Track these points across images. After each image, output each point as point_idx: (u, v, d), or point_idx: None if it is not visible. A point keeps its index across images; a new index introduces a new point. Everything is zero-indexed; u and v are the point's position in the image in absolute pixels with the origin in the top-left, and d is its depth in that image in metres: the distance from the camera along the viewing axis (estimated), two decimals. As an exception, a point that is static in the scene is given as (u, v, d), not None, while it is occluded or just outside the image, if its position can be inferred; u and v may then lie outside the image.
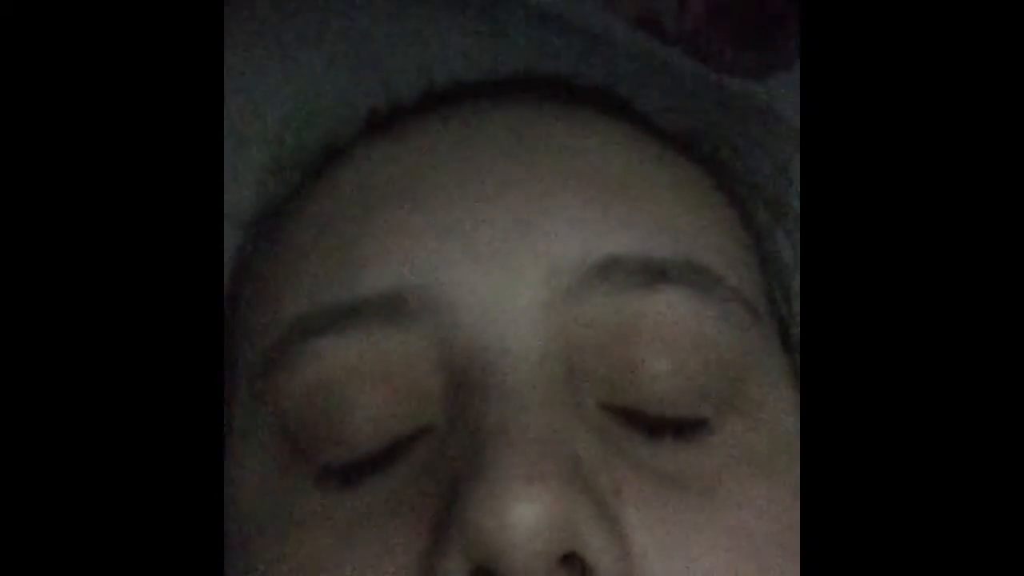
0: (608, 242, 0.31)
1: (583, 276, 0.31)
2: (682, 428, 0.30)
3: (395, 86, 0.40)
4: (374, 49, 0.44)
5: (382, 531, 0.29)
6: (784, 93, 0.53)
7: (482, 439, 0.28)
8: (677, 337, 0.31)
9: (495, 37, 0.44)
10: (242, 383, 0.34)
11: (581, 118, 0.36)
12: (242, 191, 0.46)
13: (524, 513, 0.26)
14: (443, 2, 0.45)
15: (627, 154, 0.34)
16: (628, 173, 0.33)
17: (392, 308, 0.31)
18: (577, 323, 0.30)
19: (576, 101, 0.37)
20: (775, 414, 0.32)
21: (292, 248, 0.35)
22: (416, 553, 0.28)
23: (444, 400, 0.30)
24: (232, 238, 0.41)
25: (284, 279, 0.34)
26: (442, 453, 0.29)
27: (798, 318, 0.36)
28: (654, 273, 0.31)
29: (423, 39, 0.44)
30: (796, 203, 0.42)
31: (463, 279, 0.31)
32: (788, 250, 0.39)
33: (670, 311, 0.31)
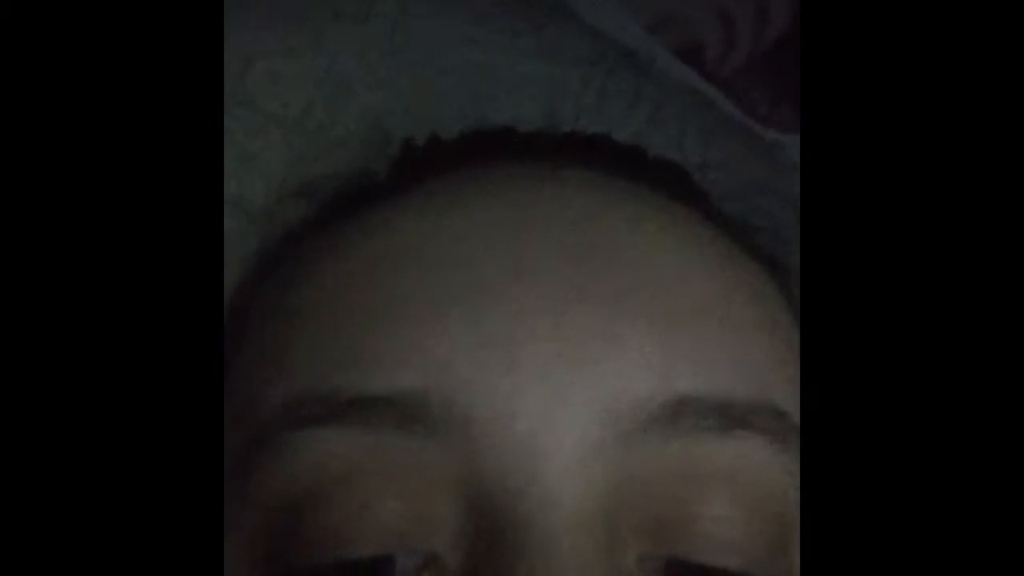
0: (679, 381, 0.27)
1: (646, 418, 0.27)
2: None
3: (438, 116, 0.37)
4: (420, 66, 0.41)
5: None
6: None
7: None
8: (749, 488, 0.27)
9: (553, 78, 0.41)
10: (228, 463, 0.29)
11: (652, 210, 0.32)
12: (255, 180, 0.43)
13: None
14: (498, 27, 0.42)
15: (703, 269, 0.30)
16: (704, 295, 0.30)
17: (409, 412, 0.27)
18: (629, 470, 0.27)
19: (639, 174, 0.33)
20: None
21: (294, 311, 0.30)
22: None
23: (459, 534, 0.26)
24: (238, 233, 0.38)
25: (279, 350, 0.29)
26: None
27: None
28: (732, 418, 0.27)
29: (474, 60, 0.40)
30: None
31: (502, 400, 0.27)
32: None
33: (745, 461, 0.27)
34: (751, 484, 0.27)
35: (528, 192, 0.31)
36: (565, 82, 0.44)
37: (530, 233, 0.29)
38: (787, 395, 0.29)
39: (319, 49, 0.44)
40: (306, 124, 0.43)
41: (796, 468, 0.28)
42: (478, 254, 0.29)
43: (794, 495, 0.28)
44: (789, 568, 0.28)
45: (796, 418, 0.29)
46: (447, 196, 0.31)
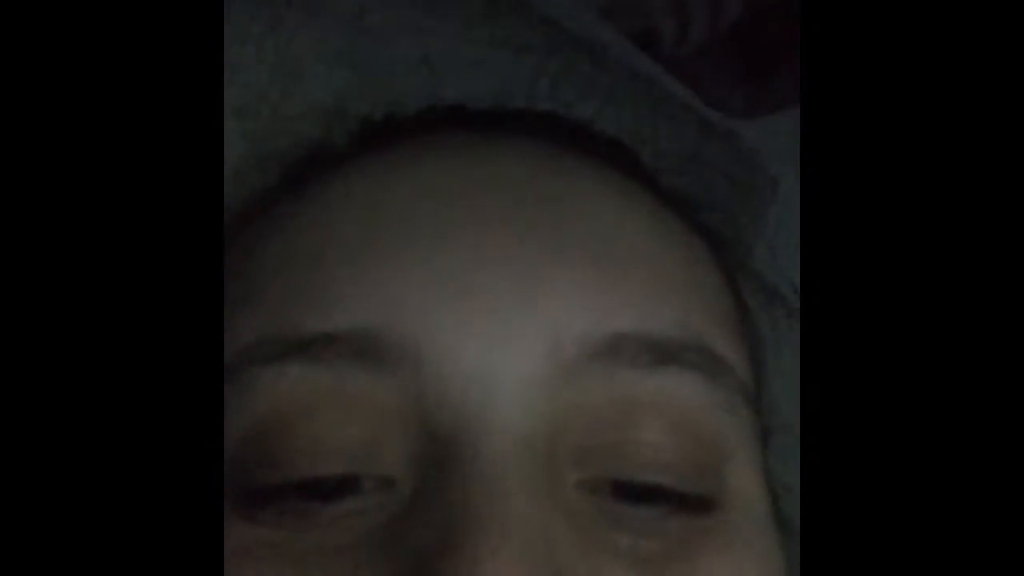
0: (618, 320, 0.30)
1: (588, 352, 0.29)
2: (678, 500, 0.29)
3: (395, 95, 0.38)
4: (376, 43, 0.42)
5: None
6: (768, 138, 0.52)
7: (457, 524, 0.27)
8: (679, 416, 0.30)
9: (504, 55, 0.42)
10: None
11: (595, 174, 0.34)
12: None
13: None
14: (452, 17, 0.43)
15: (639, 224, 0.33)
16: (640, 247, 0.32)
17: (364, 348, 0.29)
18: (571, 400, 0.29)
19: (587, 147, 0.36)
20: (753, 502, 0.31)
21: (259, 263, 0.32)
22: None
23: (412, 459, 0.29)
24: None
25: (245, 297, 0.31)
26: (407, 520, 0.28)
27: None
28: (664, 355, 0.30)
29: (428, 47, 0.41)
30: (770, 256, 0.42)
31: (451, 336, 0.29)
32: (765, 325, 0.39)
33: (676, 393, 0.30)
34: (681, 413, 0.30)
35: (479, 155, 0.33)
36: (518, 71, 0.45)
37: (480, 188, 0.32)
38: (719, 339, 0.32)
39: (274, 35, 0.45)
40: (260, 110, 0.44)
41: (729, 401, 0.31)
42: (432, 205, 0.31)
43: (728, 426, 0.31)
44: (722, 486, 0.30)
45: (730, 361, 0.31)
46: (404, 159, 0.34)
